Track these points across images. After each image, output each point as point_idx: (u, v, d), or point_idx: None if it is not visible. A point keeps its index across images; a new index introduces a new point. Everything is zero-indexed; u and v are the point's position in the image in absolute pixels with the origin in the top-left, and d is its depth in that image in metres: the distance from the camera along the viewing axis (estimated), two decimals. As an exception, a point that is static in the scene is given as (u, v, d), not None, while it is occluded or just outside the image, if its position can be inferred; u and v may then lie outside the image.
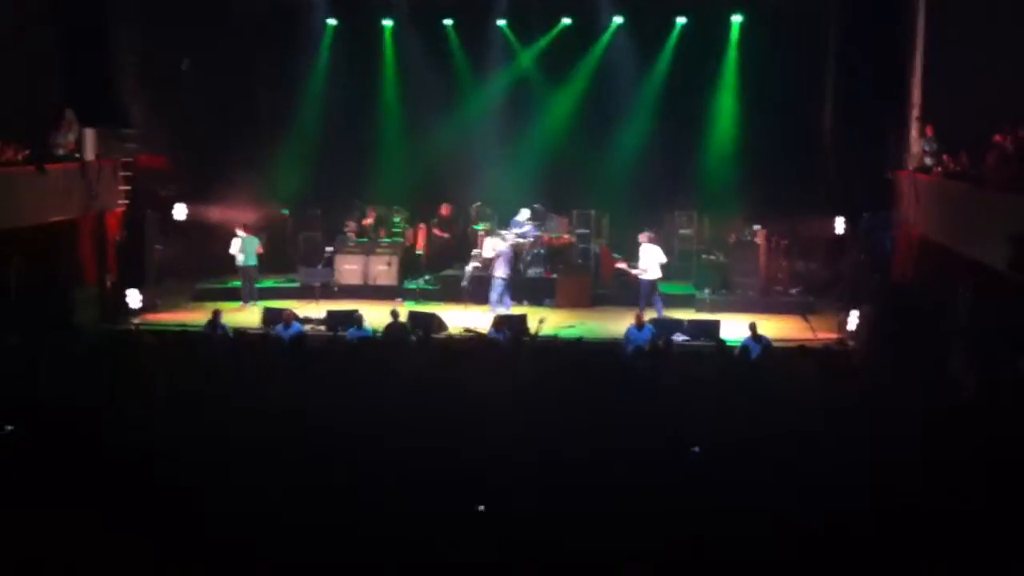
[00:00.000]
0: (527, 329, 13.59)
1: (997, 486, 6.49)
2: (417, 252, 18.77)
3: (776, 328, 14.55)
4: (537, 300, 17.19)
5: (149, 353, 11.40)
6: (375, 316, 14.47)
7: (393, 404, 8.42)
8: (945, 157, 14.20)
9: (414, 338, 12.69)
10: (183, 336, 13.04)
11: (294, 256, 18.62)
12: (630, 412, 8.39)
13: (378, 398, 8.65)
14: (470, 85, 19.69)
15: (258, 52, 19.00)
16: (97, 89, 15.81)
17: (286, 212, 19.40)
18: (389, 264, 17.92)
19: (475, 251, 17.54)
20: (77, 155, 15.42)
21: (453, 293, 17.29)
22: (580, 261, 18.23)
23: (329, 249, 17.86)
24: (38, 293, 13.96)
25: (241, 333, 13.19)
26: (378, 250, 18.08)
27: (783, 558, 5.73)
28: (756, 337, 12.68)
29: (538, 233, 17.93)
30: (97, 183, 15.65)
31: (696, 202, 18.80)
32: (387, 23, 19.61)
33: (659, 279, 15.96)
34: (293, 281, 17.76)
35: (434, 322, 14.70)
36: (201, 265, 18.01)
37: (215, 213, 17.64)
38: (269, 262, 17.87)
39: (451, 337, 13.92)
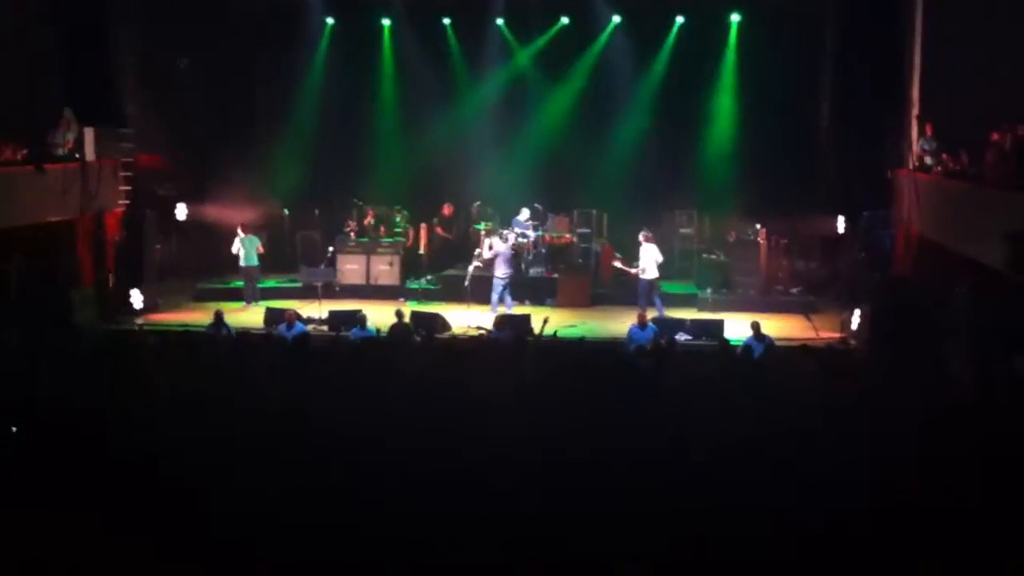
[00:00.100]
0: (530, 329, 13.61)
1: (994, 485, 6.50)
2: (419, 252, 18.78)
3: (778, 327, 14.57)
4: (538, 300, 17.21)
5: (151, 353, 11.39)
6: (377, 316, 14.47)
7: (396, 404, 8.42)
8: (944, 156, 14.23)
9: (418, 338, 12.69)
10: (186, 336, 13.04)
11: (293, 255, 18.63)
12: (633, 412, 8.40)
13: (381, 398, 8.64)
14: (469, 84, 19.71)
15: (256, 51, 19.03)
16: (96, 89, 15.82)
17: (287, 212, 19.40)
18: (391, 264, 17.93)
19: (477, 251, 17.56)
20: (76, 155, 15.41)
21: (455, 293, 17.30)
22: (581, 260, 18.25)
23: (331, 249, 17.87)
24: (37, 293, 13.94)
25: (244, 333, 13.18)
26: (379, 250, 18.09)
27: (785, 557, 5.74)
28: (759, 336, 12.70)
29: (537, 233, 17.93)
30: (97, 183, 15.65)
31: (696, 201, 18.82)
32: (385, 22, 19.63)
33: (657, 278, 15.97)
34: (295, 281, 17.77)
35: (437, 322, 14.72)
36: (202, 265, 18.02)
37: (214, 213, 17.63)
38: (270, 262, 17.87)
39: (455, 337, 13.93)
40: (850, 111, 16.40)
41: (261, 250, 17.32)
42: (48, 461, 6.97)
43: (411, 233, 18.87)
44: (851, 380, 10.36)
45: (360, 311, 14.25)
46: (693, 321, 15.08)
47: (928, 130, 14.83)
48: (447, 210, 19.03)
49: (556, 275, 17.66)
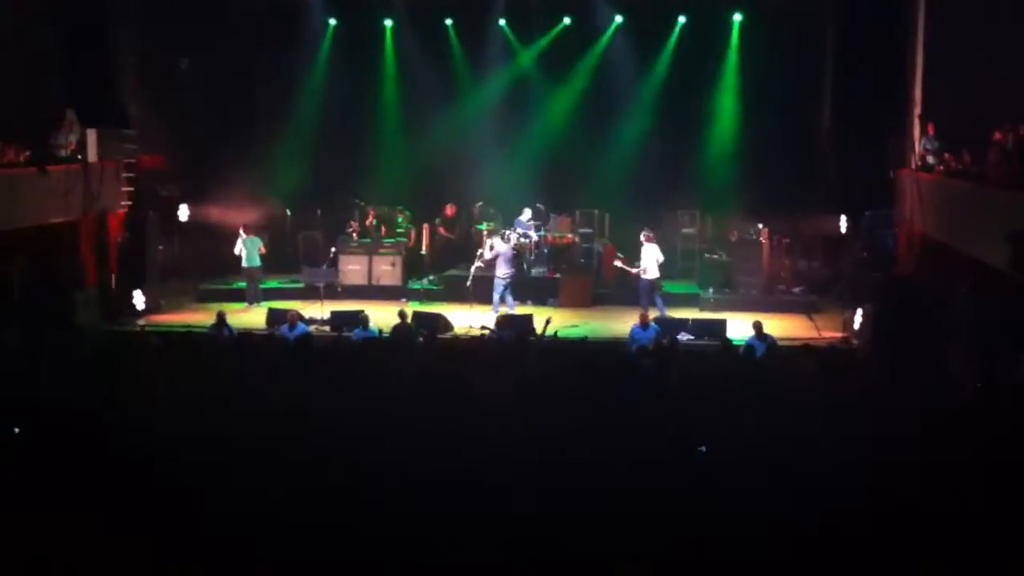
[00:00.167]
0: (532, 329, 13.60)
1: (996, 487, 6.49)
2: (421, 252, 18.78)
3: (780, 327, 14.55)
4: (540, 300, 17.20)
5: (154, 354, 11.40)
6: (379, 316, 14.47)
7: (398, 404, 8.42)
8: (947, 155, 14.21)
9: (420, 339, 12.69)
10: (188, 337, 13.05)
11: (295, 256, 18.63)
12: (635, 412, 8.39)
13: (383, 399, 8.64)
14: (470, 85, 19.72)
15: (258, 51, 19.05)
16: (98, 89, 15.83)
17: (289, 213, 19.41)
18: (393, 264, 17.94)
19: (479, 251, 17.57)
20: (79, 156, 15.43)
21: (457, 293, 17.30)
22: (583, 260, 18.24)
23: (333, 249, 17.88)
24: (40, 294, 13.95)
25: (246, 334, 13.19)
26: (382, 250, 18.10)
27: (785, 560, 5.73)
28: (761, 336, 12.68)
29: (539, 233, 17.93)
30: (99, 184, 15.66)
31: (698, 201, 18.81)
32: (387, 23, 19.63)
33: (659, 278, 15.97)
34: (297, 282, 17.77)
35: (439, 322, 14.72)
36: (204, 266, 18.03)
37: (216, 213, 17.65)
38: (272, 262, 17.88)
39: (457, 337, 13.93)
40: (852, 111, 16.39)
41: (263, 251, 17.32)
42: (51, 462, 6.98)
43: (413, 233, 18.87)
44: (853, 380, 10.34)
45: (362, 312, 14.25)
46: (695, 321, 15.07)
47: (930, 129, 14.82)
48: (449, 210, 19.03)
49: (558, 275, 17.65)
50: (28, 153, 14.41)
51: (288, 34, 19.10)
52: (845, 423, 8.06)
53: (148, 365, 10.56)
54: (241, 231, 17.14)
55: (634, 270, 16.20)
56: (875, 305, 13.76)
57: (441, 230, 18.93)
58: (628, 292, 16.57)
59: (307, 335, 13.12)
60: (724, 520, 6.03)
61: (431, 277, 18.29)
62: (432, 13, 19.35)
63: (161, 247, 17.10)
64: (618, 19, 19.14)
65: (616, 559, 5.73)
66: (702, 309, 16.48)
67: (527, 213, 18.02)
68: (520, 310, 16.05)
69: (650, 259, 15.88)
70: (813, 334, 14.53)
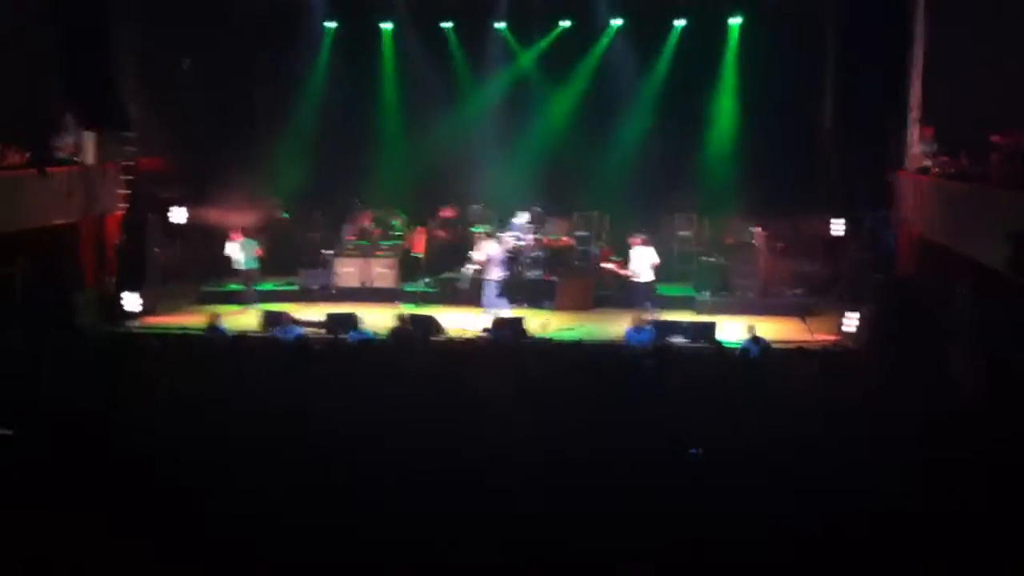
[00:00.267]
0: (524, 331, 13.62)
1: (998, 488, 6.50)
2: (416, 255, 18.78)
3: (775, 330, 14.58)
4: (536, 302, 17.21)
5: (151, 356, 11.41)
6: (374, 319, 14.48)
7: (394, 405, 8.43)
8: (944, 159, 14.25)
9: (419, 342, 12.72)
10: (183, 339, 13.05)
11: (293, 258, 18.64)
12: (630, 413, 8.41)
13: (379, 400, 8.66)
14: (470, 87, 19.73)
15: (257, 54, 19.04)
16: (97, 91, 15.83)
17: (286, 215, 19.43)
18: (388, 267, 17.94)
19: (470, 253, 17.58)
20: (77, 158, 15.44)
21: (452, 295, 17.31)
22: (579, 263, 18.25)
23: (328, 252, 17.88)
24: (41, 296, 13.97)
25: (240, 336, 13.20)
26: (377, 253, 18.10)
27: (784, 561, 5.75)
28: (755, 339, 12.72)
29: (534, 236, 17.94)
30: (98, 186, 15.68)
31: (696, 203, 18.83)
32: (387, 26, 19.66)
33: (653, 281, 15.98)
34: (293, 284, 17.77)
35: (432, 324, 14.72)
36: (204, 268, 18.02)
37: (215, 215, 17.65)
38: (270, 264, 17.89)
39: (451, 339, 13.94)
40: (851, 113, 16.40)
41: (259, 252, 17.33)
42: (52, 463, 6.99)
43: (409, 236, 18.88)
44: (852, 382, 10.36)
45: (354, 314, 14.25)
46: (689, 323, 15.07)
47: (929, 133, 14.85)
48: (448, 212, 19.05)
49: (555, 278, 17.66)
50: (28, 155, 14.42)
51: (288, 36, 19.10)
52: (844, 424, 8.08)
53: (147, 366, 10.57)
54: (235, 234, 17.11)
55: (624, 272, 16.21)
56: (876, 306, 13.79)
57: (438, 232, 18.93)
58: (628, 295, 16.58)
59: (302, 337, 13.14)
60: (724, 521, 6.04)
61: (426, 280, 18.29)
62: (432, 16, 19.36)
63: (159, 249, 17.09)
64: (618, 22, 19.17)
65: (617, 559, 5.74)
66: (697, 312, 16.48)
67: (522, 216, 18.04)
68: (515, 313, 16.06)
69: (642, 262, 15.89)
70: (807, 337, 14.57)
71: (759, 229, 17.24)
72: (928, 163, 14.65)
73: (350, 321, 13.96)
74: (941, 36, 14.70)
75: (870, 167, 16.01)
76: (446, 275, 18.13)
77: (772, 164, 17.38)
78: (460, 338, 13.60)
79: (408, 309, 16.12)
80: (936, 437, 7.64)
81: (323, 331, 14.64)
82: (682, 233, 18.87)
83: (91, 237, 15.78)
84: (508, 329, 13.73)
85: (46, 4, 15.59)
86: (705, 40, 18.86)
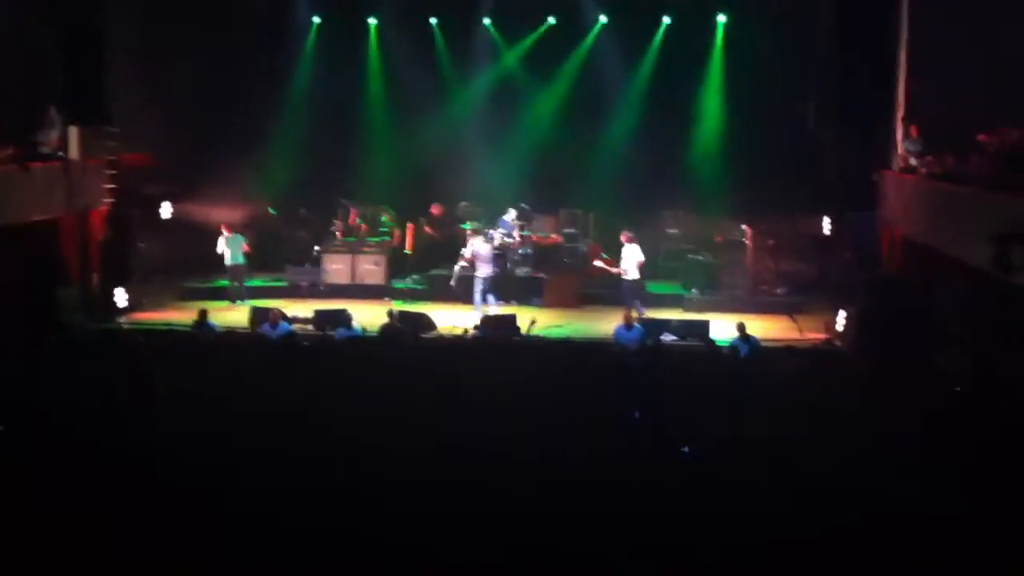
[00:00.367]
0: (517, 328, 13.62)
1: (987, 486, 6.54)
2: (405, 251, 18.75)
3: (764, 328, 14.63)
4: (524, 300, 17.21)
5: (136, 352, 11.32)
6: (363, 315, 14.43)
7: (383, 403, 8.40)
8: (929, 159, 14.32)
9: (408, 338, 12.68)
10: (169, 335, 12.96)
11: (279, 254, 18.56)
12: (619, 412, 8.41)
13: (368, 397, 8.62)
14: (456, 83, 19.71)
15: (243, 50, 18.92)
16: (81, 86, 15.69)
17: (273, 212, 19.34)
18: (377, 263, 17.90)
19: (462, 250, 17.57)
20: (60, 153, 15.30)
21: (441, 292, 17.29)
22: (567, 260, 18.25)
23: (316, 248, 17.80)
24: (23, 292, 13.84)
25: (229, 332, 13.12)
26: (365, 249, 18.06)
27: (782, 560, 5.76)
28: (744, 337, 12.75)
29: (523, 233, 17.93)
30: (81, 181, 15.54)
31: (684, 201, 18.85)
32: (372, 21, 19.59)
33: (640, 279, 16.00)
34: (281, 280, 17.69)
35: (423, 321, 14.69)
36: (188, 264, 17.93)
37: (200, 211, 17.54)
38: (258, 261, 17.80)
39: (441, 336, 13.91)
40: (837, 112, 16.45)
41: (246, 248, 17.25)
42: (38, 461, 6.92)
43: (397, 233, 18.84)
44: (837, 381, 10.41)
45: (345, 311, 14.20)
46: (679, 321, 15.10)
47: (913, 132, 14.92)
48: (436, 210, 19.01)
49: (542, 275, 17.66)
50: (11, 150, 14.27)
51: (273, 32, 19.03)
52: (830, 423, 8.11)
53: (134, 363, 10.48)
54: (223, 229, 17.06)
55: (614, 270, 16.23)
56: (861, 305, 13.85)
57: (427, 229, 18.90)
58: (613, 292, 16.60)
59: (291, 334, 13.08)
60: (715, 518, 6.05)
61: (415, 276, 18.26)
62: (417, 12, 19.32)
63: (144, 245, 16.97)
64: (603, 19, 19.17)
65: (611, 558, 5.74)
66: (686, 310, 16.52)
67: (511, 213, 18.03)
68: (504, 310, 16.04)
69: (631, 260, 15.92)
70: (796, 335, 14.63)
71: (748, 227, 17.28)
72: (914, 162, 14.72)
73: (341, 317, 13.89)
74: (927, 35, 14.77)
75: (856, 166, 16.07)
76: (434, 271, 18.09)
77: (759, 162, 17.45)
78: (450, 335, 13.56)
79: (399, 306, 16.07)
80: (922, 435, 7.68)
81: (311, 328, 14.58)
82: (671, 231, 18.90)
83: (74, 233, 15.63)
84: (498, 326, 13.70)
85: (39, 3, 15.42)
86: (691, 37, 18.90)
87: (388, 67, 19.65)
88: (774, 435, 7.56)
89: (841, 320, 14.51)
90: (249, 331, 14.00)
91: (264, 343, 12.25)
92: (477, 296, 16.41)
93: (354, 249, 18.03)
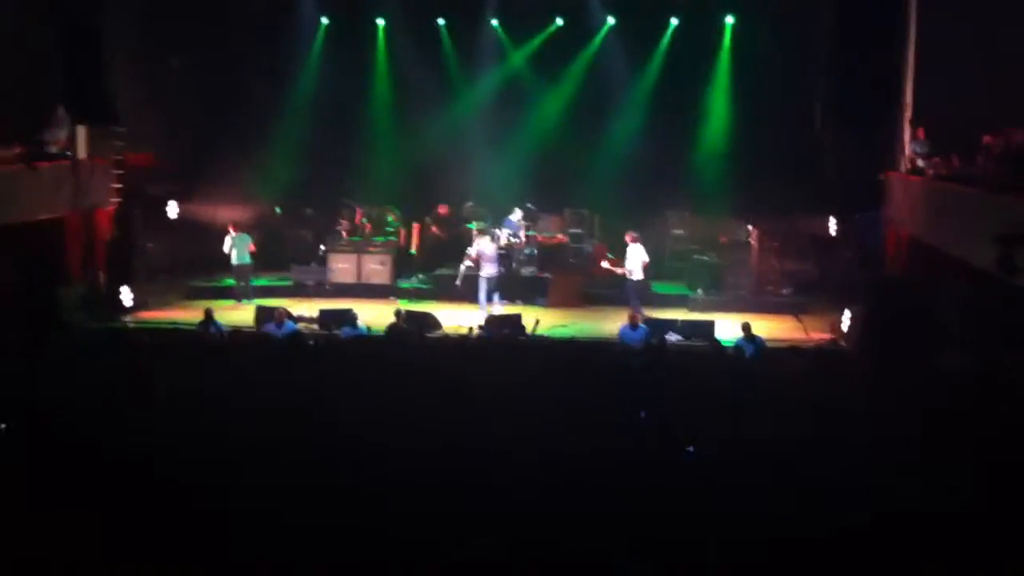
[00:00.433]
0: (522, 328, 13.63)
1: (991, 487, 6.53)
2: (411, 251, 18.78)
3: (769, 328, 14.62)
4: (529, 300, 17.23)
5: (141, 351, 11.35)
6: (368, 315, 14.46)
7: (390, 403, 8.41)
8: (935, 160, 14.31)
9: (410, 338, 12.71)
10: (175, 334, 12.99)
11: (285, 254, 18.59)
12: (624, 412, 8.42)
13: (372, 397, 8.64)
14: (462, 84, 19.72)
15: (250, 49, 18.97)
16: (89, 86, 15.75)
17: (279, 211, 19.38)
18: (382, 263, 17.94)
19: (468, 250, 17.60)
20: (68, 152, 15.35)
21: (447, 292, 17.31)
22: (573, 260, 18.27)
23: (322, 247, 17.84)
24: (28, 291, 13.88)
25: (235, 332, 13.16)
26: (371, 249, 18.10)
27: (785, 559, 5.76)
28: (749, 337, 12.75)
29: (528, 233, 17.94)
30: (88, 181, 15.59)
31: (689, 201, 18.85)
32: (380, 22, 19.63)
33: (643, 279, 16.01)
34: (286, 280, 17.74)
35: (428, 321, 14.72)
36: (193, 263, 17.98)
37: (206, 211, 17.59)
38: (262, 260, 17.85)
39: (447, 336, 13.94)
40: (843, 112, 16.45)
41: (252, 248, 17.30)
42: (42, 460, 6.94)
43: (403, 232, 18.87)
44: (842, 381, 10.40)
45: (351, 310, 14.23)
46: (684, 322, 15.11)
47: (920, 133, 14.91)
48: (442, 209, 19.04)
49: (547, 275, 17.67)
50: (18, 150, 14.33)
51: (281, 32, 19.06)
52: (835, 424, 8.10)
53: (137, 362, 10.51)
54: (230, 229, 17.12)
55: (619, 270, 16.24)
56: (865, 306, 13.84)
57: (433, 229, 18.93)
58: (618, 292, 16.61)
59: (296, 333, 13.11)
60: (720, 519, 6.05)
61: (420, 276, 18.29)
62: (424, 12, 19.35)
63: (150, 244, 17.04)
64: (611, 20, 19.18)
65: (613, 558, 5.75)
66: (691, 310, 16.53)
67: (517, 213, 18.05)
68: (509, 310, 16.06)
69: (635, 260, 15.93)
70: (801, 335, 14.61)
71: (753, 228, 17.27)
72: (921, 164, 14.71)
73: (346, 317, 13.92)
74: (934, 36, 14.75)
75: (862, 167, 16.07)
76: (439, 271, 18.13)
77: (763, 163, 17.44)
78: (455, 335, 13.59)
79: (405, 305, 16.11)
80: (925, 436, 7.67)
81: (317, 327, 14.62)
82: (676, 231, 18.90)
83: (80, 232, 15.69)
84: (504, 326, 13.72)
85: (45, 3, 15.48)
86: (698, 39, 18.89)
87: (395, 67, 19.69)
88: (778, 435, 7.56)
89: (846, 320, 14.50)
90: (254, 330, 14.04)
91: (269, 342, 12.27)
92: (482, 296, 16.44)
93: (360, 249, 18.07)
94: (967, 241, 12.15)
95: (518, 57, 19.67)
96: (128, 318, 15.56)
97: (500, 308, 16.17)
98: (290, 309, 14.73)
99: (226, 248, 17.10)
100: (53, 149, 15.09)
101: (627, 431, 7.89)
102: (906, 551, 5.82)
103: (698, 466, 7.24)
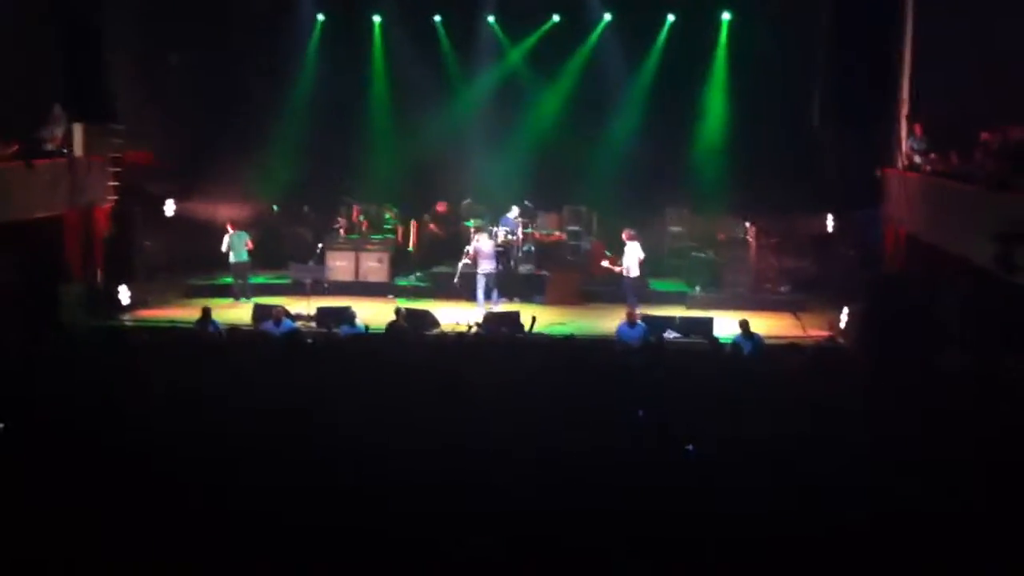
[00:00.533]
0: (520, 326, 13.63)
1: (991, 486, 6.53)
2: (408, 249, 18.77)
3: (767, 325, 14.62)
4: (527, 297, 17.23)
5: (140, 350, 11.34)
6: (366, 312, 14.45)
7: (387, 401, 8.40)
8: (933, 156, 14.31)
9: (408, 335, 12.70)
10: (173, 333, 12.97)
11: (282, 252, 18.57)
12: (622, 410, 8.41)
13: (371, 395, 8.63)
14: (460, 81, 19.71)
15: (247, 47, 18.93)
16: (87, 84, 15.71)
17: (276, 209, 19.36)
18: (380, 261, 17.93)
19: (466, 248, 17.59)
20: (65, 150, 15.33)
21: (445, 289, 17.31)
22: (571, 258, 18.27)
23: (320, 245, 17.83)
24: (27, 290, 13.86)
25: (232, 330, 13.14)
26: (369, 247, 18.09)
27: (783, 558, 5.76)
28: (747, 334, 12.75)
29: (526, 230, 17.94)
30: (85, 178, 15.57)
31: (687, 199, 18.86)
32: (376, 19, 19.60)
33: (639, 276, 16.01)
34: (284, 278, 17.72)
35: (426, 319, 14.71)
36: (191, 261, 17.96)
37: (205, 209, 17.57)
38: (259, 258, 17.83)
39: (444, 334, 13.93)
40: (840, 109, 16.44)
41: (250, 246, 17.29)
42: (41, 459, 6.93)
43: (400, 230, 18.86)
44: (840, 379, 10.40)
45: (349, 308, 14.22)
46: (682, 319, 15.11)
47: (918, 130, 14.90)
48: (441, 207, 19.04)
49: (545, 272, 17.67)
50: (15, 147, 14.30)
51: (277, 30, 19.03)
52: (832, 422, 8.10)
53: (135, 360, 10.49)
54: (228, 227, 17.10)
55: (618, 269, 16.25)
56: (863, 303, 13.85)
57: (431, 226, 18.92)
58: (616, 289, 16.61)
59: (295, 331, 13.09)
60: (718, 518, 6.05)
61: (418, 274, 18.28)
62: (421, 9, 19.32)
63: (148, 242, 17.02)
64: (607, 16, 19.16)
65: (612, 556, 5.74)
66: (689, 307, 16.55)
67: (514, 210, 18.04)
68: (507, 307, 16.06)
69: (632, 258, 15.93)
70: (799, 332, 14.61)
71: (752, 225, 17.27)
72: (918, 160, 14.71)
73: (345, 315, 13.91)
74: (931, 33, 14.75)
75: (855, 164, 16.08)
76: (437, 269, 18.12)
77: (763, 160, 17.43)
78: (453, 333, 13.59)
79: (403, 303, 16.09)
80: (924, 434, 7.67)
81: (315, 325, 14.61)
82: (674, 228, 18.89)
83: (78, 230, 15.67)
84: (502, 324, 13.72)
85: (44, 2, 15.44)
86: (695, 35, 18.88)
87: (392, 65, 19.65)
88: (776, 433, 7.56)
89: (844, 318, 14.50)
90: (252, 328, 14.02)
91: (267, 340, 12.25)
92: (480, 293, 16.44)
93: (358, 246, 18.07)
94: (966, 239, 12.15)
95: (515, 54, 19.65)
96: (126, 316, 15.55)
97: (498, 306, 16.16)
98: (288, 307, 14.70)
99: (224, 246, 17.09)
100: (49, 147, 15.05)
101: (625, 429, 7.89)
102: (905, 551, 5.82)
103: (696, 464, 7.23)
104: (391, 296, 17.07)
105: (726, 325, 14.31)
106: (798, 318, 15.17)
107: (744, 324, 13.00)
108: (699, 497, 6.42)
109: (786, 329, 14.95)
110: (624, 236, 16.19)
